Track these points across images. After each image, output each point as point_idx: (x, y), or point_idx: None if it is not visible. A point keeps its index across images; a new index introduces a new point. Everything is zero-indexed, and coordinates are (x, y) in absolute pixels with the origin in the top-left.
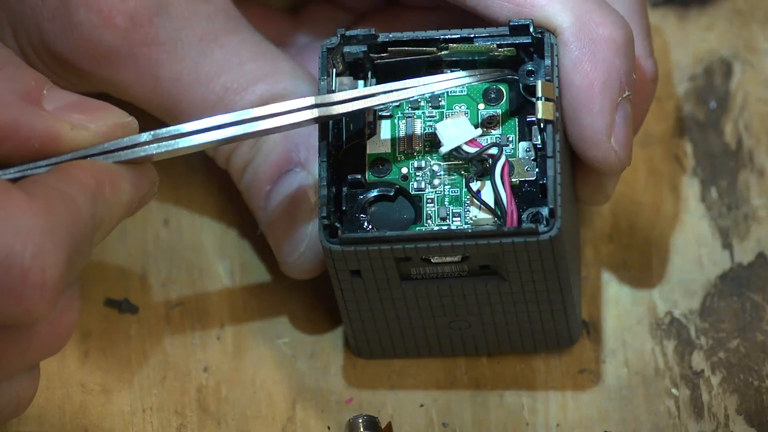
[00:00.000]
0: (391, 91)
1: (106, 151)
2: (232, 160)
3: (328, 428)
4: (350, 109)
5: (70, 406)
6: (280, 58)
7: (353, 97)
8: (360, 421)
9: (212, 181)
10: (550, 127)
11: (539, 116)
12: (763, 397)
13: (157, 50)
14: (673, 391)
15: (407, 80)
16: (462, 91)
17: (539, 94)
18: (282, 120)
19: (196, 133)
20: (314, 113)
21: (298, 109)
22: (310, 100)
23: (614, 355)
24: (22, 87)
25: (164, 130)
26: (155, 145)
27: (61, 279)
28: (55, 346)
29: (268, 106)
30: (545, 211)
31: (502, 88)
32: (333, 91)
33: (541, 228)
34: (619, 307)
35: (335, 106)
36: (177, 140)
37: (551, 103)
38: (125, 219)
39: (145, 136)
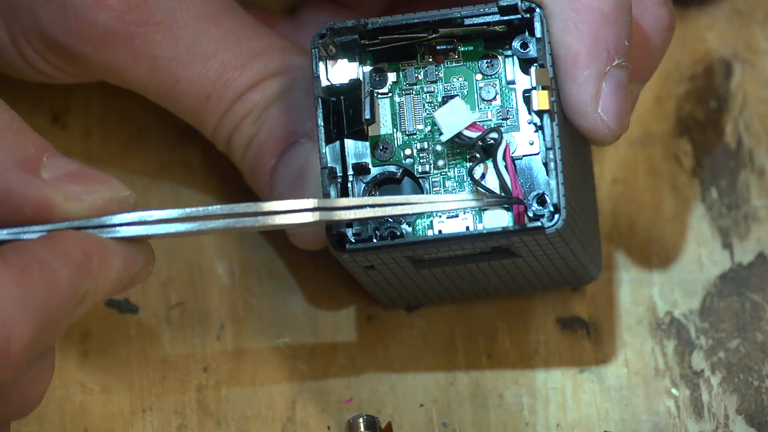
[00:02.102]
0: (396, 204)
1: (104, 225)
2: (234, 139)
3: (328, 428)
4: (351, 217)
5: (70, 406)
6: (274, 35)
7: (356, 204)
8: (360, 421)
9: (212, 180)
10: (547, 117)
11: (535, 108)
12: (763, 397)
13: (152, 30)
14: (673, 391)
15: (413, 195)
16: (458, 63)
17: (533, 83)
18: (283, 219)
19: (195, 219)
20: (315, 216)
21: (299, 210)
22: (312, 202)
23: (614, 355)
24: (20, 154)
25: (166, 212)
26: (155, 226)
27: (27, 349)
28: (23, 411)
29: (270, 203)
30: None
31: (499, 57)
32: (329, 82)
33: (546, 223)
34: (619, 307)
35: (337, 212)
36: (176, 224)
37: (546, 92)
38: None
39: (145, 216)
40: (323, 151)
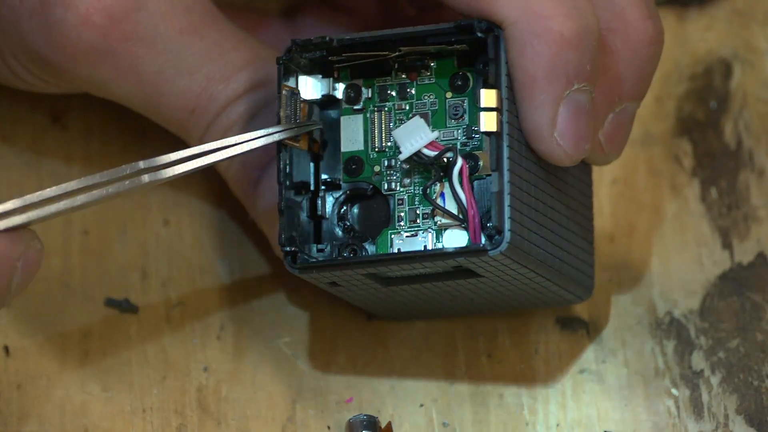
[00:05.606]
0: (222, 148)
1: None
2: None
3: (328, 428)
4: (182, 170)
5: (70, 406)
6: (259, 46)
7: (183, 157)
8: (360, 421)
9: (212, 181)
10: (494, 139)
11: (482, 129)
12: (763, 397)
13: (136, 45)
14: (673, 391)
15: (239, 136)
16: (430, 80)
17: (481, 104)
18: (113, 187)
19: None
20: (144, 179)
21: (127, 175)
22: (139, 165)
23: (614, 355)
24: None
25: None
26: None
27: None
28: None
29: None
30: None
31: (469, 76)
32: (297, 93)
33: (489, 245)
34: (619, 307)
35: (165, 170)
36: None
37: (495, 113)
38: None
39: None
40: (281, 166)
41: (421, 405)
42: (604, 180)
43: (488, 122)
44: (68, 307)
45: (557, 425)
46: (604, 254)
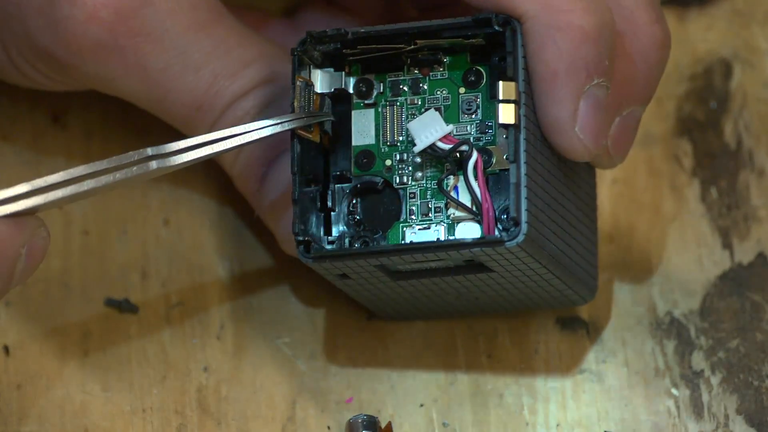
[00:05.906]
0: (232, 136)
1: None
2: None
3: (328, 428)
4: (191, 158)
5: (70, 406)
6: (264, 43)
7: (192, 145)
8: (360, 421)
9: (212, 181)
10: (512, 131)
11: (500, 121)
12: (763, 397)
13: (143, 41)
14: (673, 391)
15: (250, 124)
16: (443, 75)
17: (499, 96)
18: (121, 173)
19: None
20: (152, 166)
21: (134, 161)
22: (147, 152)
23: (614, 355)
24: None
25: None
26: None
27: None
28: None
29: (102, 162)
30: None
31: (482, 71)
32: (312, 85)
33: (506, 236)
34: (619, 307)
35: (174, 157)
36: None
37: (513, 105)
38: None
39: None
40: (294, 156)
41: (421, 405)
42: (604, 180)
43: (506, 114)
44: (68, 307)
45: (557, 425)
46: (604, 254)
